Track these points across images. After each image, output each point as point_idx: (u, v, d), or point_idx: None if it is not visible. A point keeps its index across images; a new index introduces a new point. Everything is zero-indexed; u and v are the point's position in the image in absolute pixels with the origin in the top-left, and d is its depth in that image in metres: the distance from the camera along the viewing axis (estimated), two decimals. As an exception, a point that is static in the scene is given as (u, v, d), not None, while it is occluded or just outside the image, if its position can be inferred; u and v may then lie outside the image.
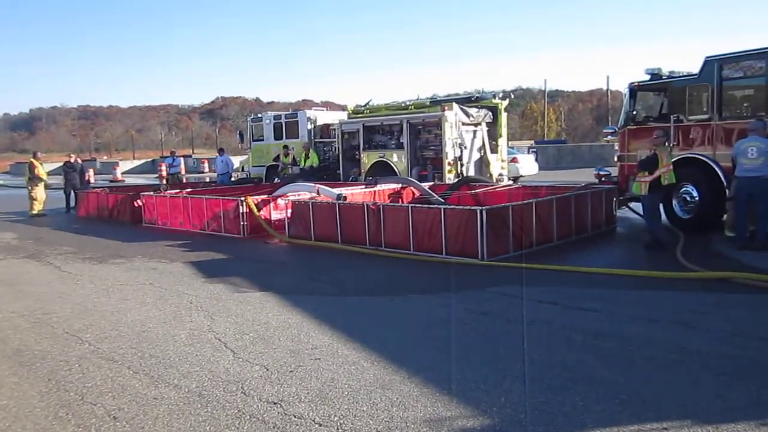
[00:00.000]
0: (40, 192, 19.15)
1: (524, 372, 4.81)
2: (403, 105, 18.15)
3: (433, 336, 5.89)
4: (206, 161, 44.73)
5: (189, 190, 17.07)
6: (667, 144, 10.27)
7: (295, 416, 4.17)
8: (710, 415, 3.96)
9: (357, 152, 18.58)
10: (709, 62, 10.80)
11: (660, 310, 6.46)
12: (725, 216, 10.47)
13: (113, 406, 4.47)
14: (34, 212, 18.81)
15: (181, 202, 14.80)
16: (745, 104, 11.01)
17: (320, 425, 4.03)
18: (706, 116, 10.94)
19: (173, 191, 16.22)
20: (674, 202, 11.43)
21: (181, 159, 27.11)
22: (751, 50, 10.38)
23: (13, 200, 24.57)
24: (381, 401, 4.36)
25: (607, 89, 45.77)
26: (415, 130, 17.18)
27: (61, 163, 22.50)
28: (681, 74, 11.97)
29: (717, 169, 10.59)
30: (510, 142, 43.06)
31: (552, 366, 4.91)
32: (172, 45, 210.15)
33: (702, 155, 10.90)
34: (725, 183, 10.35)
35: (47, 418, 4.30)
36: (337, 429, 3.96)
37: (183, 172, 38.73)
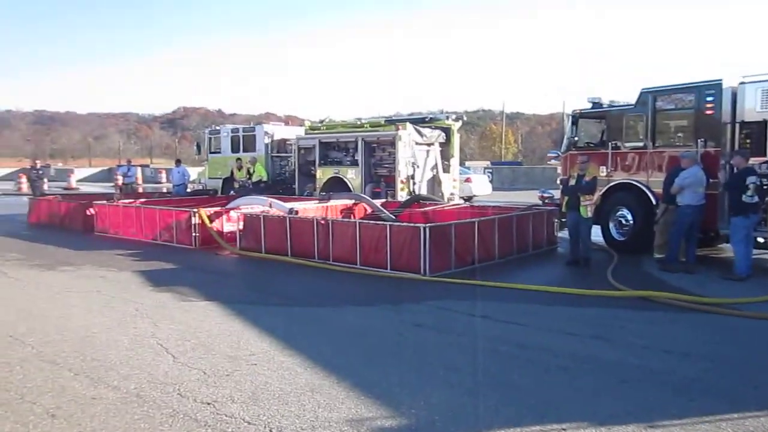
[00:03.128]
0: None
1: (446, 378, 5.17)
2: (358, 123, 18.56)
3: (367, 345, 6.22)
4: (164, 171, 44.33)
5: (143, 200, 17.09)
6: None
7: (226, 415, 4.44)
8: (607, 417, 4.36)
9: (312, 168, 18.92)
10: (644, 93, 11.49)
11: (582, 324, 6.92)
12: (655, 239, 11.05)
13: (52, 405, 4.66)
14: (-17, 218, 18.56)
15: (134, 211, 14.85)
16: (677, 134, 11.71)
17: (249, 423, 4.30)
18: (641, 144, 11.62)
19: (127, 201, 16.23)
20: (611, 224, 12.05)
21: (137, 168, 26.97)
22: (681, 84, 11.12)
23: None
24: (309, 403, 4.66)
25: (563, 113, 47.08)
26: (369, 147, 17.61)
27: (16, 169, 22.28)
28: (620, 104, 12.65)
29: (649, 194, 11.23)
30: (467, 162, 44.30)
31: (474, 373, 5.28)
32: (134, 52, 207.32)
33: (636, 181, 11.55)
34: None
35: (-15, 416, 4.48)
36: (264, 427, 4.25)
37: (139, 182, 38.50)
